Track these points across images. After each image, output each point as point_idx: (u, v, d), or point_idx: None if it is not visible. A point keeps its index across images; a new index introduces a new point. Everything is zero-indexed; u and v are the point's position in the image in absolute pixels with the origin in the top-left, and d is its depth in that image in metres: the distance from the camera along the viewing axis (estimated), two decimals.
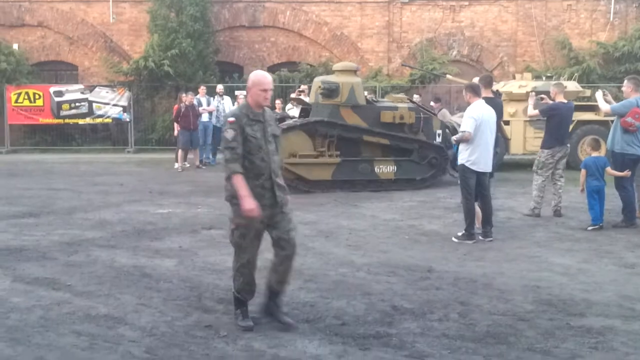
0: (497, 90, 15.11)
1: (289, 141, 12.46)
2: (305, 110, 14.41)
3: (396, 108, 13.94)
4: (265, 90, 5.43)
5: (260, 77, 5.54)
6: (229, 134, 5.23)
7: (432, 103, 18.68)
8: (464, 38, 25.65)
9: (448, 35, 25.60)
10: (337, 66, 14.75)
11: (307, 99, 15.65)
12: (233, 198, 5.26)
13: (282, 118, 14.16)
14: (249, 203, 5.12)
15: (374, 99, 14.84)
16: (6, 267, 7.06)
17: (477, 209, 8.92)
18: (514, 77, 19.13)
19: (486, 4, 25.61)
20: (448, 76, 21.07)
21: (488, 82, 10.08)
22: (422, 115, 14.33)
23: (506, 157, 17.79)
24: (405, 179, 13.83)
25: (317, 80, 14.08)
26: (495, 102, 9.59)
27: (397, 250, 8.05)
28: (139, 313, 5.57)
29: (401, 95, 15.97)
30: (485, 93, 9.39)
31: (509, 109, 17.31)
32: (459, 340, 5.04)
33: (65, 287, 6.33)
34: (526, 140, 17.28)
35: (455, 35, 25.64)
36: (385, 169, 13.71)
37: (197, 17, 22.97)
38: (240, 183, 5.16)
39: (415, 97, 19.31)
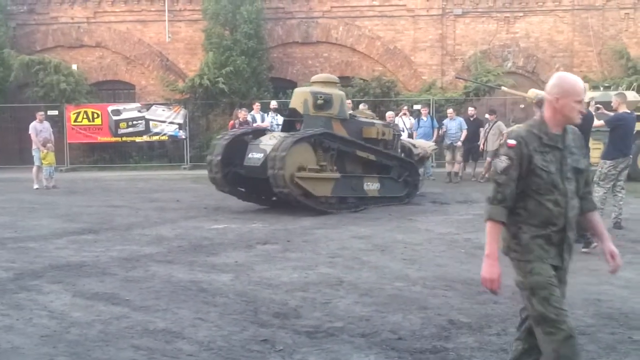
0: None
1: (298, 154, 11.86)
2: (288, 122, 13.55)
3: (373, 124, 13.71)
4: (580, 102, 3.86)
5: (574, 83, 3.87)
6: (501, 163, 3.76)
7: (487, 115, 18.54)
8: (519, 49, 25.40)
9: (502, 47, 25.39)
10: (317, 77, 14.13)
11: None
12: (511, 251, 3.93)
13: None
14: (491, 270, 3.87)
15: (352, 113, 14.32)
16: (67, 283, 7.19)
17: None
18: None
19: (541, 14, 25.32)
20: (503, 88, 20.81)
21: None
22: (395, 133, 14.28)
23: None
24: (388, 197, 13.51)
25: (305, 91, 13.40)
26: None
27: (453, 264, 7.96)
28: (196, 327, 5.61)
29: (369, 111, 15.69)
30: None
31: None
32: None
33: (124, 302, 6.42)
34: None
35: (510, 47, 25.42)
36: (372, 186, 13.33)
37: (251, 35, 23.25)
38: (491, 235, 3.83)
39: (470, 110, 19.18)
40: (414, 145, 14.92)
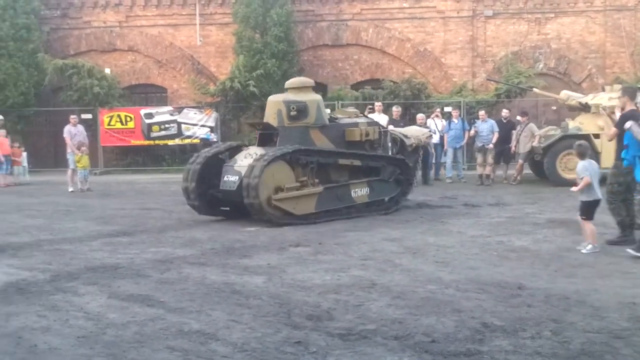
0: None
1: (274, 173, 11.10)
2: (265, 136, 12.48)
3: (357, 124, 12.94)
4: None
5: None
6: None
7: (518, 117, 18.41)
8: (550, 50, 25.21)
9: (534, 48, 25.22)
10: (291, 83, 12.99)
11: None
12: None
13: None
14: None
15: (332, 115, 13.49)
16: (102, 285, 7.29)
17: (592, 226, 8.78)
18: (603, 89, 18.63)
19: (573, 15, 25.11)
20: (535, 89, 20.71)
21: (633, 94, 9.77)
22: (381, 130, 13.49)
23: None
24: (378, 200, 12.77)
25: (278, 101, 12.41)
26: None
27: (486, 267, 7.93)
28: (230, 329, 5.65)
29: (352, 109, 14.93)
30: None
31: (599, 121, 16.88)
32: (553, 359, 4.91)
33: (159, 303, 6.49)
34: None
35: (541, 48, 25.25)
36: (360, 192, 12.49)
37: (282, 38, 23.32)
38: None
39: (504, 112, 19.01)
40: (405, 136, 14.13)
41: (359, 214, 12.22)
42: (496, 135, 17.96)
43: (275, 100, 12.47)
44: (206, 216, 12.19)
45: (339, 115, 13.56)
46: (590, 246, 8.69)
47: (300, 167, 11.54)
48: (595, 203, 8.88)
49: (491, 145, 17.92)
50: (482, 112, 18.87)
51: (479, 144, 18.19)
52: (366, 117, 14.41)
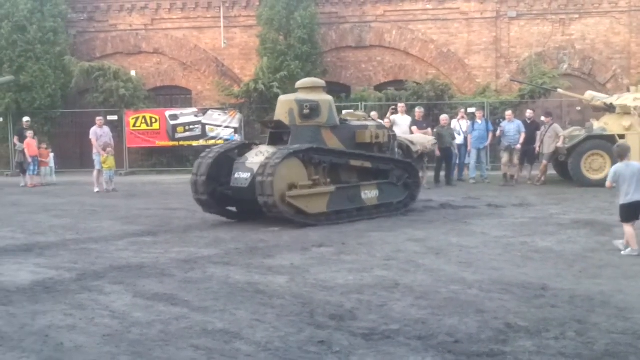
0: None
1: (288, 170, 10.95)
2: (276, 135, 12.31)
3: (367, 127, 12.86)
4: None
5: None
6: None
7: (542, 118, 18.31)
8: (574, 51, 25.05)
9: (558, 49, 25.07)
10: (303, 83, 12.94)
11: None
12: None
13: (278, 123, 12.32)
14: None
15: (342, 118, 13.27)
16: (127, 284, 7.36)
17: (631, 230, 8.70)
18: (628, 90, 18.49)
19: (597, 16, 24.93)
20: (560, 90, 20.59)
21: None
22: (389, 133, 13.48)
23: None
24: (387, 203, 12.58)
25: (290, 100, 12.27)
26: None
27: (510, 268, 7.90)
28: (253, 328, 5.69)
29: (360, 112, 14.94)
30: None
31: (623, 122, 16.77)
32: (577, 359, 4.91)
33: (183, 302, 6.54)
34: None
35: (565, 49, 25.09)
36: (370, 194, 12.30)
37: (305, 40, 23.39)
38: None
39: (529, 113, 18.91)
40: (411, 142, 14.16)
41: (369, 216, 12.08)
42: (523, 136, 17.86)
43: (287, 100, 12.37)
44: (212, 214, 12.15)
45: (348, 118, 13.48)
46: (629, 249, 8.60)
47: (312, 166, 11.42)
48: (633, 206, 8.74)
49: (518, 146, 17.82)
50: (508, 113, 18.77)
51: (505, 143, 18.09)
52: (374, 120, 14.47)
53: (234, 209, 12.28)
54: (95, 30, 26.73)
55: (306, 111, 11.91)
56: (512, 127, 18.01)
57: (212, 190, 11.67)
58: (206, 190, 11.56)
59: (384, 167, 12.69)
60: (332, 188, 11.58)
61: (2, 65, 24.23)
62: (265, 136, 12.67)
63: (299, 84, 12.94)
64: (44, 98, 24.35)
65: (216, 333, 5.58)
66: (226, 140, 24.03)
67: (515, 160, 17.89)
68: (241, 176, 11.49)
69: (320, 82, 13.21)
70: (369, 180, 12.42)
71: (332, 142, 12.20)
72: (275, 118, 12.39)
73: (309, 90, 12.48)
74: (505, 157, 18.05)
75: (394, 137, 13.65)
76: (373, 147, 12.75)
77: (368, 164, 12.35)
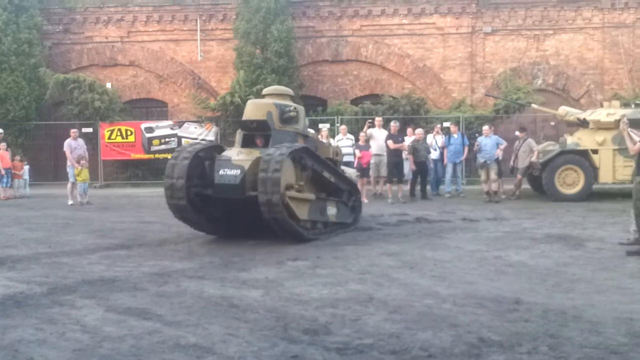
0: None
1: (286, 171, 10.28)
2: (249, 138, 11.68)
3: (330, 144, 12.57)
4: None
5: None
6: None
7: (517, 132, 18.44)
8: (548, 67, 25.36)
9: (532, 65, 25.37)
10: (272, 89, 12.45)
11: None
12: None
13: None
14: None
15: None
16: (99, 298, 7.28)
17: None
18: (601, 105, 18.72)
19: (571, 32, 25.28)
20: (534, 105, 20.80)
21: None
22: (339, 153, 13.27)
23: (595, 186, 17.39)
24: (341, 222, 12.28)
25: (268, 103, 11.66)
26: None
27: (483, 282, 7.93)
28: (226, 343, 5.65)
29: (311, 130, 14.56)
30: None
31: (597, 137, 16.97)
32: None
33: (156, 316, 6.48)
34: (615, 169, 16.82)
35: (539, 64, 25.40)
36: (332, 211, 11.94)
37: (282, 53, 23.45)
38: None
39: (484, 128, 18.69)
40: (342, 171, 13.54)
41: (331, 232, 11.72)
42: (503, 146, 17.82)
43: (264, 103, 11.75)
44: (187, 225, 11.47)
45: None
46: None
47: (299, 170, 10.92)
48: None
49: (499, 152, 17.73)
50: (485, 128, 18.54)
51: (480, 160, 17.93)
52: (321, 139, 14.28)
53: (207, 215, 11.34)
54: (71, 42, 26.60)
55: (292, 114, 11.55)
56: (488, 142, 17.85)
57: (189, 194, 10.80)
58: (185, 193, 10.65)
59: (342, 186, 12.38)
60: (312, 196, 11.19)
61: None
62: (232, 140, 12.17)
63: (266, 90, 12.47)
64: (18, 110, 24.17)
65: (189, 348, 5.54)
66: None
67: (493, 175, 17.64)
68: (228, 173, 10.67)
69: (289, 90, 12.78)
70: (330, 196, 12.03)
71: None
72: (246, 117, 11.68)
73: (276, 97, 12.03)
74: (483, 174, 17.92)
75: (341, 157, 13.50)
76: (332, 163, 12.40)
77: (333, 179, 11.99)
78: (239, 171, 10.62)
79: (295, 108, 11.69)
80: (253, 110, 11.59)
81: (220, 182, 10.71)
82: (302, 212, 10.87)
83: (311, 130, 14.14)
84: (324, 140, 13.84)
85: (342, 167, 13.84)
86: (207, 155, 11.18)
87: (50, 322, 6.31)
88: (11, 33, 24.14)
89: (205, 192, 10.95)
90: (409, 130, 18.49)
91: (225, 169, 10.75)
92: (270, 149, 10.56)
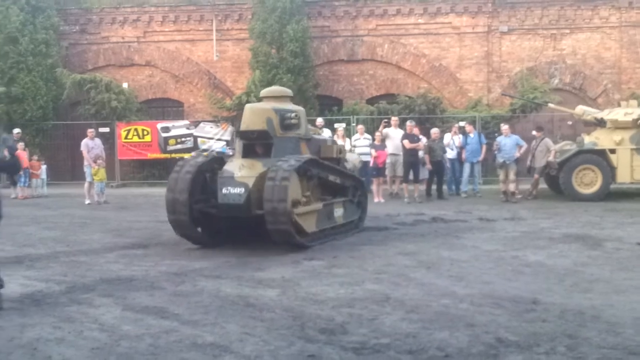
0: None
1: (292, 186, 9.84)
2: (249, 147, 11.12)
3: (334, 142, 12.30)
4: None
5: None
6: None
7: (534, 132, 18.34)
8: (565, 66, 25.19)
9: (549, 64, 25.21)
10: (270, 91, 11.94)
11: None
12: None
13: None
14: None
15: None
16: (117, 297, 7.32)
17: None
18: (619, 105, 18.59)
19: (588, 31, 25.10)
20: (550, 105, 20.68)
21: None
22: (341, 149, 12.80)
23: (613, 186, 17.28)
24: (349, 221, 11.95)
25: (266, 108, 11.03)
26: None
27: (501, 282, 7.90)
28: (243, 342, 5.66)
29: (319, 120, 14.27)
30: None
31: (614, 136, 16.86)
32: None
33: (173, 315, 6.50)
34: (633, 169, 16.71)
35: (556, 64, 25.23)
36: (338, 212, 11.51)
37: (297, 53, 23.43)
38: None
39: (504, 127, 18.54)
40: (345, 160, 13.30)
41: (339, 235, 11.38)
42: (523, 148, 17.69)
43: (262, 108, 11.09)
44: (187, 239, 10.80)
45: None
46: None
47: (305, 181, 10.46)
48: None
49: (535, 163, 17.60)
50: (505, 127, 18.34)
51: (500, 160, 17.69)
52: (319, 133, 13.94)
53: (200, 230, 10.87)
54: (87, 43, 26.73)
55: (294, 120, 11.03)
56: (508, 142, 17.64)
57: (191, 210, 10.31)
58: (187, 209, 10.20)
59: (346, 184, 12.01)
60: (319, 205, 10.81)
61: None
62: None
63: (264, 92, 11.94)
64: (35, 110, 24.32)
65: (206, 347, 5.55)
66: (218, 152, 24.03)
67: (512, 175, 17.41)
68: (232, 191, 10.20)
69: (288, 91, 12.31)
70: (337, 197, 11.68)
71: (306, 155, 11.11)
72: (245, 126, 11.03)
73: (275, 99, 11.53)
74: (501, 174, 17.69)
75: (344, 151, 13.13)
76: (337, 162, 12.12)
77: (339, 180, 11.63)
78: (243, 189, 10.15)
79: (296, 114, 11.16)
80: (252, 117, 10.99)
81: (224, 201, 10.26)
82: (310, 224, 10.49)
83: (318, 127, 13.94)
84: (323, 135, 13.46)
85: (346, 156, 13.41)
86: (208, 167, 10.77)
87: (69, 321, 6.34)
88: (28, 34, 24.29)
89: (209, 210, 10.54)
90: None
91: (229, 187, 10.25)
92: (276, 164, 10.10)
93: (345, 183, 11.96)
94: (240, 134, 11.25)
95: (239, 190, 10.15)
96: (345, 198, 11.88)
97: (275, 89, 12.39)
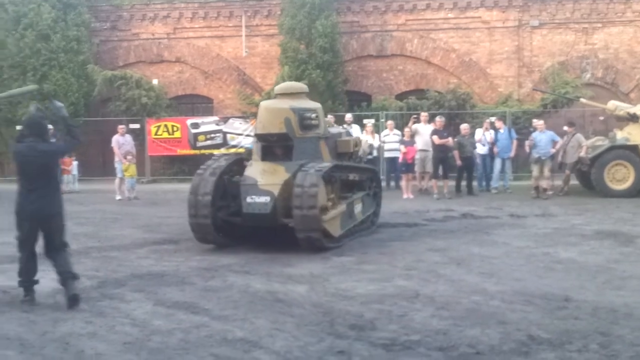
0: None
1: (321, 192, 9.50)
2: (268, 149, 10.71)
3: (350, 136, 12.05)
4: None
5: None
6: None
7: (565, 127, 18.11)
8: (597, 60, 24.85)
9: (581, 58, 24.88)
10: (285, 88, 11.28)
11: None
12: None
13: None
14: None
15: None
16: (148, 292, 7.39)
17: None
18: None
19: (620, 25, 24.73)
20: (582, 100, 20.44)
21: None
22: (356, 141, 12.34)
23: None
24: (367, 216, 11.63)
25: (284, 108, 10.52)
26: None
27: (532, 278, 7.83)
28: (273, 337, 5.68)
29: (329, 117, 13.63)
30: None
31: None
32: None
33: (204, 310, 6.55)
34: None
35: (588, 58, 24.89)
36: (358, 208, 11.09)
37: (326, 49, 23.37)
38: None
39: (539, 122, 18.25)
40: (361, 158, 12.95)
41: (360, 233, 11.20)
42: (558, 144, 17.41)
43: (279, 107, 10.59)
44: (205, 244, 10.45)
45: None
46: None
47: (329, 184, 10.08)
48: None
49: (561, 158, 17.34)
50: (540, 122, 17.93)
51: (535, 155, 17.23)
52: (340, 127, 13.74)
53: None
54: (118, 39, 26.91)
55: (314, 121, 10.59)
56: (543, 138, 17.27)
57: (215, 214, 10.02)
58: (210, 212, 9.87)
59: (364, 178, 11.73)
60: (344, 207, 10.45)
61: (25, 73, 24.42)
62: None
63: (278, 89, 11.31)
64: (67, 106, 24.21)
65: (236, 342, 5.58)
66: (247, 148, 24.09)
67: (547, 172, 17.06)
68: (257, 200, 9.79)
69: (303, 87, 11.66)
70: (356, 193, 11.28)
71: (325, 154, 10.90)
72: (262, 128, 10.58)
73: (291, 96, 10.91)
74: (535, 170, 17.24)
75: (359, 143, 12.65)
76: (352, 156, 11.84)
77: (356, 177, 11.32)
78: (268, 198, 9.74)
79: (315, 114, 10.74)
80: (268, 117, 10.51)
81: (249, 210, 9.87)
82: (335, 228, 10.14)
83: (347, 123, 13.67)
84: (334, 127, 13.06)
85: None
86: (226, 170, 10.44)
87: (100, 316, 6.41)
88: (60, 30, 24.51)
89: (233, 219, 10.24)
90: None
91: (253, 196, 9.83)
92: (302, 169, 9.82)
93: (363, 177, 11.70)
94: (259, 137, 10.76)
95: (265, 199, 9.76)
96: (363, 192, 11.57)
97: (290, 85, 11.83)
